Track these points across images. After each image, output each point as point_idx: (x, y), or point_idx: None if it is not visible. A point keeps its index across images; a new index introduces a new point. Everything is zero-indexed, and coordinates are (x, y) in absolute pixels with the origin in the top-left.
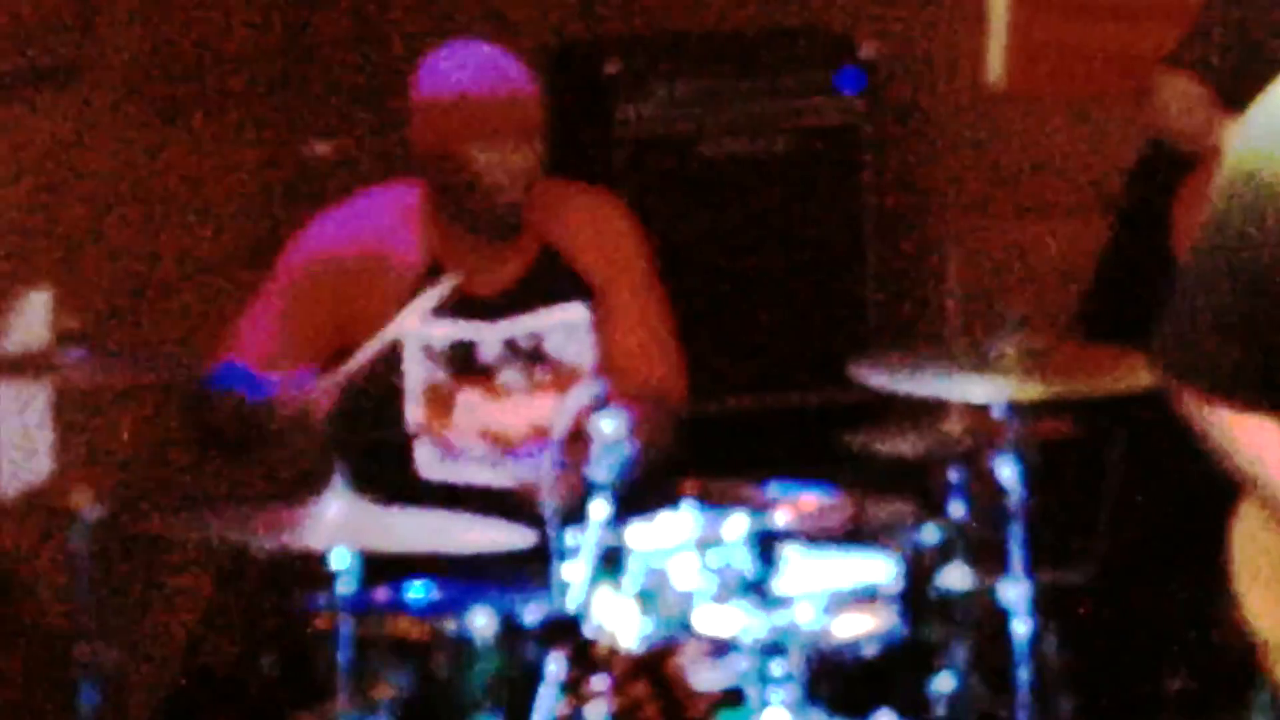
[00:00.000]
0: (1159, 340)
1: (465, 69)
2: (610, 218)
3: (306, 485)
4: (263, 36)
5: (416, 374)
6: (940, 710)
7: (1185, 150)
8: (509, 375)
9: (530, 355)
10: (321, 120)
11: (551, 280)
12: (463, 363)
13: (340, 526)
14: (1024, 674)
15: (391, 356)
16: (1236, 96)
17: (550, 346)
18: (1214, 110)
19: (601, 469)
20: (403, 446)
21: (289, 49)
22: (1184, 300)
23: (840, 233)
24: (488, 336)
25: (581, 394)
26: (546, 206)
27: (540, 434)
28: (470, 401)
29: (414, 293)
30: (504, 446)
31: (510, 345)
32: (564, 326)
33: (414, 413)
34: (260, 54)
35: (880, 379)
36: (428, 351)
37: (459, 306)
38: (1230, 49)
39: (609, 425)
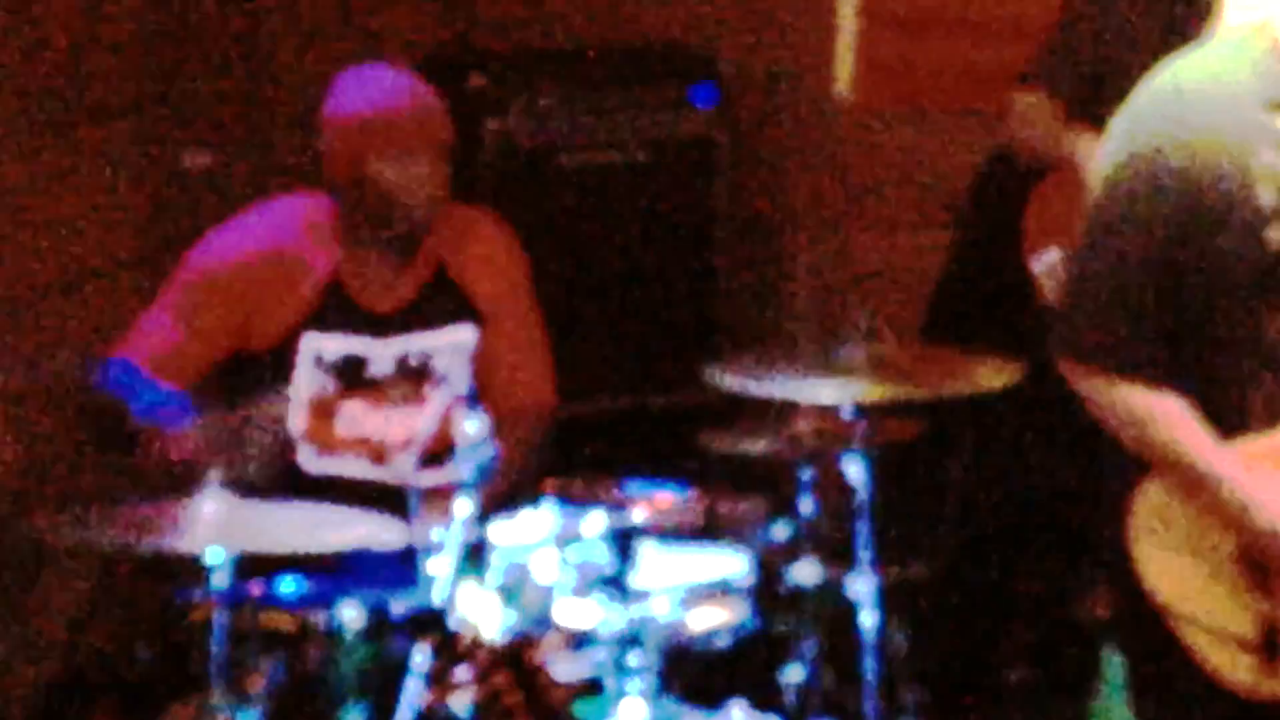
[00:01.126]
0: (1059, 325)
1: (374, 90)
2: (501, 244)
3: (182, 485)
4: (141, 50)
5: (306, 384)
6: (790, 700)
7: (1035, 162)
8: (396, 390)
9: (418, 372)
10: (198, 132)
11: (444, 302)
12: (352, 375)
13: (215, 525)
14: (871, 665)
15: (282, 366)
16: (1090, 110)
17: (438, 365)
18: (1064, 124)
19: (465, 468)
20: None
21: (167, 62)
22: (1084, 284)
23: (695, 241)
24: (380, 352)
25: (447, 396)
26: (443, 229)
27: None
28: (354, 412)
29: (316, 304)
30: (380, 458)
31: (401, 362)
32: (452, 347)
33: (298, 419)
34: (139, 67)
35: (733, 382)
36: (319, 362)
37: (355, 321)
38: (1083, 65)
39: (472, 426)
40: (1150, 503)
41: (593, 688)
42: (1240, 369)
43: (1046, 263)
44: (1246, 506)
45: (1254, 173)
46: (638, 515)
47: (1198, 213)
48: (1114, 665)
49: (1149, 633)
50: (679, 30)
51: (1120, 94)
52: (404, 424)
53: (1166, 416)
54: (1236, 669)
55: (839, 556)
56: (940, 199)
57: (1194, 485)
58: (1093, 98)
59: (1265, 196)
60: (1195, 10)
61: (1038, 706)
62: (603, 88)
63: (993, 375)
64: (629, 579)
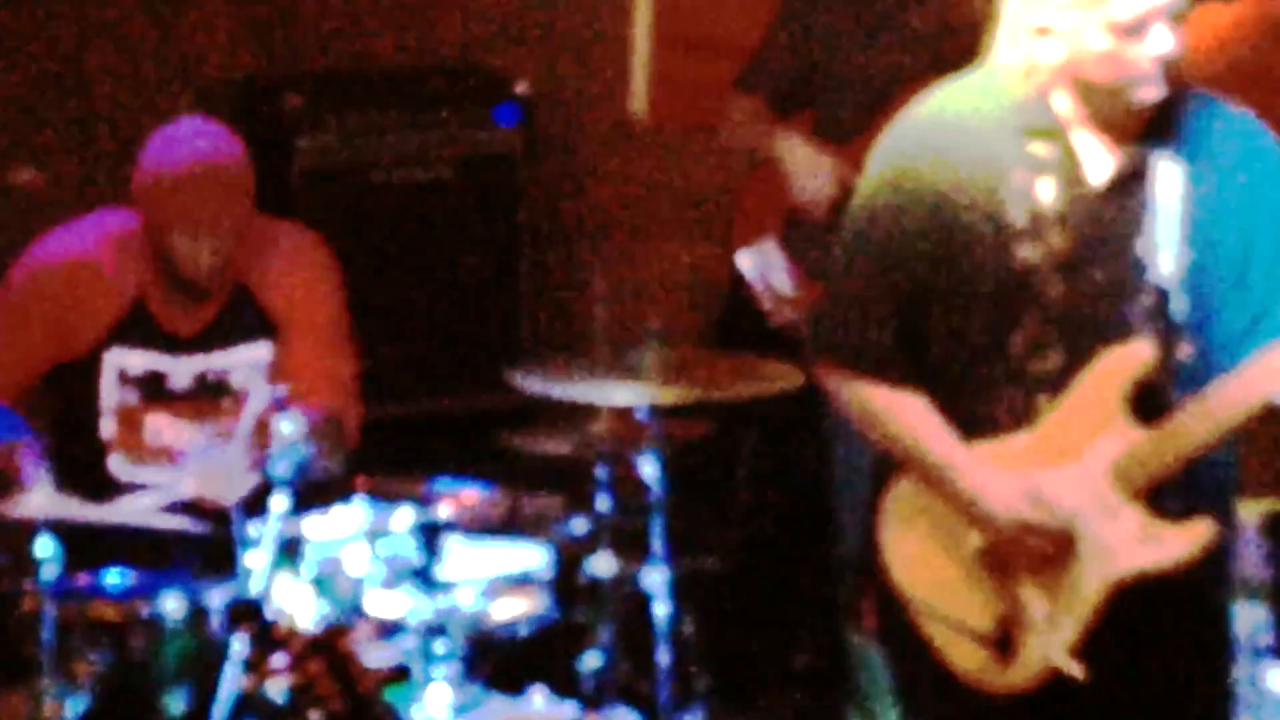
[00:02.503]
0: (813, 327)
1: (183, 156)
2: (303, 257)
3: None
4: None
5: (111, 395)
6: (588, 686)
7: (747, 161)
8: (196, 405)
9: (217, 388)
10: (24, 149)
11: (242, 320)
12: (154, 390)
13: (42, 510)
14: (664, 653)
15: (89, 377)
16: (792, 111)
17: (236, 381)
18: (770, 124)
19: (281, 466)
20: (97, 450)
21: None
22: (835, 290)
23: (498, 252)
24: (180, 369)
25: (263, 397)
26: (244, 248)
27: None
28: (158, 426)
29: (121, 320)
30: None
31: (200, 378)
32: (250, 364)
33: (107, 427)
34: None
35: (534, 384)
36: (123, 376)
37: (156, 340)
38: (786, 69)
39: (288, 426)
40: (900, 499)
41: (401, 674)
42: (986, 379)
43: (748, 257)
44: (977, 498)
45: (1006, 193)
46: (444, 511)
47: (950, 229)
48: (876, 658)
49: (900, 626)
50: (483, 53)
51: (826, 97)
52: (204, 435)
53: (904, 414)
54: (972, 663)
55: (634, 550)
56: (727, 212)
57: (932, 480)
58: (796, 100)
59: (1016, 216)
60: (904, 17)
61: (821, 692)
62: (411, 107)
63: (777, 378)
64: (436, 571)
